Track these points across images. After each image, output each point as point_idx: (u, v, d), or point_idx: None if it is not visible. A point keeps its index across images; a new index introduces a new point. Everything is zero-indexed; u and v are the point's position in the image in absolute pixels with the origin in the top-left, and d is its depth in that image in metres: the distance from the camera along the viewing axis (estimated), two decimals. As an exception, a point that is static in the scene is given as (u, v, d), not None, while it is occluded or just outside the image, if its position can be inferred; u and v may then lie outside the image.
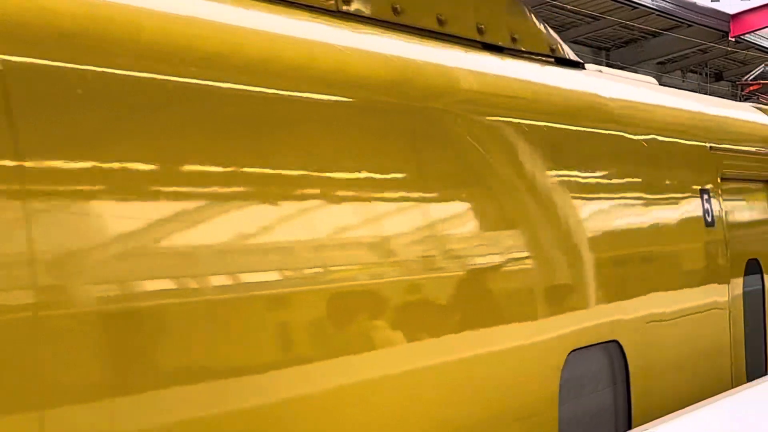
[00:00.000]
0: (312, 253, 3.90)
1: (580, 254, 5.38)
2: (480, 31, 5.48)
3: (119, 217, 3.25)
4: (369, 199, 4.21)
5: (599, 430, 5.54)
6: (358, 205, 4.19)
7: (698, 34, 34.74)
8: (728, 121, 8.10)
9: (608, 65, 34.35)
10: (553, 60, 6.10)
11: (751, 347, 7.48)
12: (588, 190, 5.66)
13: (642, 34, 34.86)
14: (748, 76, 36.68)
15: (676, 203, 6.63)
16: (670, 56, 37.39)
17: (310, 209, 3.96)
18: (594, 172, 5.77)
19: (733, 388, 6.67)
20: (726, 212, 7.21)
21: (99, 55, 3.34)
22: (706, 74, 41.58)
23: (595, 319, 5.43)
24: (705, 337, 6.64)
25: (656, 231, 6.26)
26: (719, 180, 7.25)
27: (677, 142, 6.94)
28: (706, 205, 6.91)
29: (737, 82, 39.77)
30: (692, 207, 6.79)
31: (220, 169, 3.59)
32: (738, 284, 7.29)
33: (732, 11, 37.01)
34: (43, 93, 3.15)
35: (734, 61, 40.93)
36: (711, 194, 6.99)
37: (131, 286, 3.24)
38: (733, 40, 36.21)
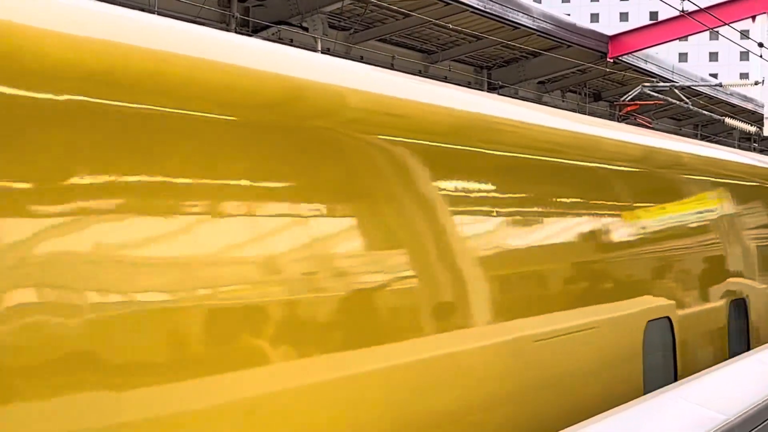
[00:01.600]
0: None
1: None
2: None
3: None
4: None
5: None
6: None
7: (577, 55, 35.27)
8: None
9: (490, 84, 34.69)
10: None
11: None
12: None
13: (523, 54, 35.26)
14: (625, 96, 37.38)
15: None
16: (550, 76, 37.88)
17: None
18: None
19: None
20: None
21: None
22: (585, 94, 42.23)
23: None
24: None
25: None
26: None
27: None
28: None
29: (615, 103, 40.50)
30: None
31: None
32: None
33: (610, 32, 37.69)
34: None
35: (612, 81, 41.65)
36: None
37: None
38: (612, 61, 36.86)
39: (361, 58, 27.84)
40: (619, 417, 5.55)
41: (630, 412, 5.71)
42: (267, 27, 25.37)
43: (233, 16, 24.86)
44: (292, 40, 25.59)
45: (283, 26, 25.80)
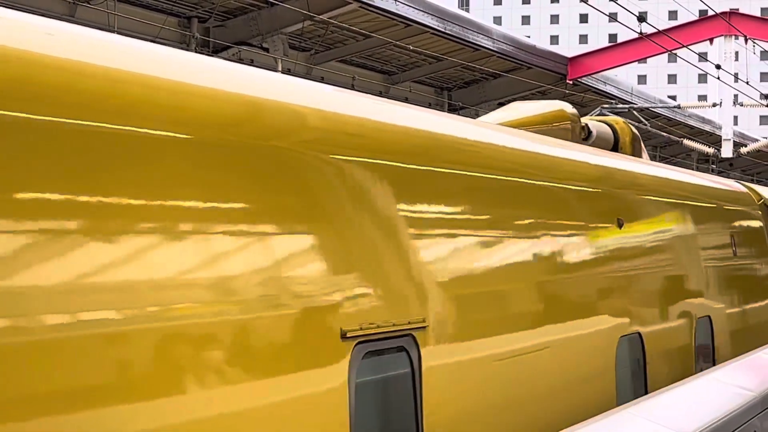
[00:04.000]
0: None
1: None
2: None
3: None
4: None
5: None
6: None
7: (537, 77, 35.48)
8: None
9: (450, 106, 34.81)
10: None
11: None
12: None
13: (483, 76, 35.43)
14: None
15: None
16: (510, 97, 38.04)
17: None
18: None
19: None
20: None
21: None
22: (546, 115, 42.42)
23: None
24: None
25: None
26: None
27: None
28: None
29: (575, 124, 40.74)
30: None
31: None
32: None
33: (570, 54, 37.96)
34: None
35: (572, 102, 41.82)
36: None
37: None
38: (571, 82, 37.11)
39: (322, 78, 27.88)
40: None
41: (589, 429, 5.72)
42: (227, 47, 25.36)
43: (193, 37, 24.83)
44: (252, 61, 25.59)
45: (243, 47, 25.80)
